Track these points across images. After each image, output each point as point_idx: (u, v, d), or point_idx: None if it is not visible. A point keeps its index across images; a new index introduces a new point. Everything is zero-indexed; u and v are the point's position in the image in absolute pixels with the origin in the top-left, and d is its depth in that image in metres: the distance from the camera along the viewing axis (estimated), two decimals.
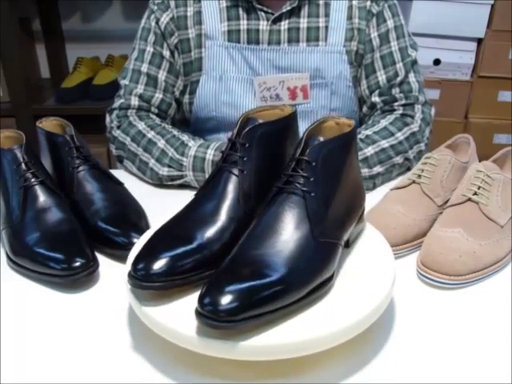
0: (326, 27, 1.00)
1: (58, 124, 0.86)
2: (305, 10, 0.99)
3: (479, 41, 1.88)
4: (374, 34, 1.01)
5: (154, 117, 1.02)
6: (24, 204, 0.71)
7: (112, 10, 2.12)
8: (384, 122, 0.97)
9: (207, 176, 0.90)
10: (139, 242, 0.64)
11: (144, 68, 1.01)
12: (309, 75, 1.00)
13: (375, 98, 1.02)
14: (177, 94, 1.04)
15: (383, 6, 1.01)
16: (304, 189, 0.55)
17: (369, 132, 0.95)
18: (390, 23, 1.01)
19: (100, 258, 0.70)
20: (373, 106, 1.04)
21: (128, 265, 0.57)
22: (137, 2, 1.99)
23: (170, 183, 0.93)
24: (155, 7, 1.02)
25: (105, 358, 0.57)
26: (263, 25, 0.99)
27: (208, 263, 0.55)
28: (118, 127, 1.00)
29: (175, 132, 0.96)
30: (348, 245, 0.63)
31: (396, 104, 1.01)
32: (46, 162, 0.81)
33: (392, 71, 1.01)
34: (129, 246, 0.65)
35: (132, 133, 0.97)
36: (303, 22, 0.99)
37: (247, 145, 0.60)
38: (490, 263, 0.70)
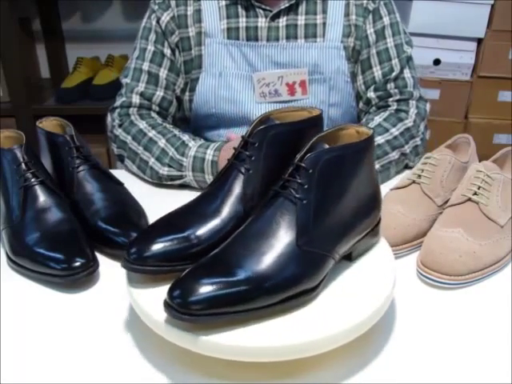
0: (324, 24, 1.00)
1: (58, 124, 0.86)
2: (302, 7, 1.00)
3: (479, 41, 1.88)
4: (370, 31, 1.02)
5: (155, 116, 1.02)
6: (24, 204, 0.71)
7: (112, 10, 2.12)
8: (378, 119, 0.98)
9: (207, 176, 0.90)
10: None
11: (145, 66, 1.02)
12: (307, 70, 1.00)
13: (370, 94, 1.03)
14: (178, 91, 1.05)
15: (379, 4, 1.02)
16: (297, 195, 0.54)
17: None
18: (386, 20, 1.02)
19: (100, 257, 0.70)
20: (368, 102, 1.05)
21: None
22: (137, 1, 1.99)
23: (169, 183, 0.93)
24: (156, 7, 1.02)
25: (105, 358, 0.57)
26: (262, 22, 1.00)
27: (198, 256, 0.55)
28: (120, 126, 1.00)
29: (176, 132, 0.96)
30: (351, 258, 0.61)
31: (390, 100, 1.02)
32: (46, 162, 0.81)
33: (387, 67, 1.02)
34: None
35: (133, 132, 0.97)
36: (301, 19, 1.00)
37: (257, 144, 0.60)
38: (490, 263, 0.70)
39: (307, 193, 0.54)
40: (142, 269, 0.56)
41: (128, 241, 0.69)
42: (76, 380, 0.54)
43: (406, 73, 1.03)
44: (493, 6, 1.81)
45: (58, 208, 0.72)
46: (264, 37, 1.00)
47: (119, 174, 0.88)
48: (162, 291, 0.56)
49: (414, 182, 0.79)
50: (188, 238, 0.58)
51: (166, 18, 1.01)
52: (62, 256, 0.66)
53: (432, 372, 0.56)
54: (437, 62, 1.91)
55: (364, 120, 1.02)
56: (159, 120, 1.01)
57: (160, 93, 1.02)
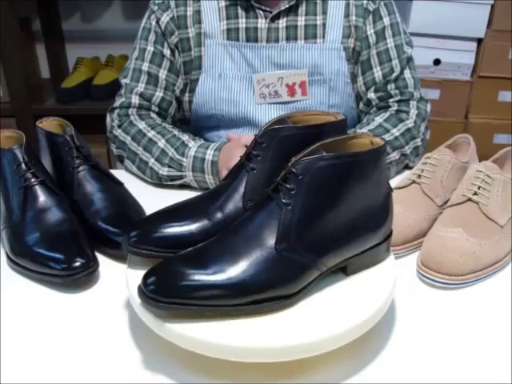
0: (324, 25, 1.00)
1: (58, 124, 0.86)
2: (302, 8, 1.00)
3: (479, 41, 1.88)
4: (370, 31, 1.02)
5: (154, 116, 1.02)
6: (24, 204, 0.71)
7: (112, 10, 2.12)
8: (378, 120, 0.98)
9: (207, 176, 0.90)
10: None
11: (145, 67, 1.02)
12: (307, 71, 1.00)
13: (371, 95, 1.03)
14: (177, 92, 1.05)
15: (379, 4, 1.02)
16: (283, 200, 0.53)
17: (364, 131, 0.95)
18: (386, 20, 1.02)
19: (100, 257, 0.70)
20: (369, 103, 1.04)
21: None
22: (137, 1, 1.99)
23: (169, 183, 0.93)
24: (156, 7, 1.02)
25: (105, 358, 0.57)
26: (261, 23, 0.99)
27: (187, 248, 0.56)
28: (119, 126, 1.00)
29: (175, 132, 0.96)
30: (346, 272, 0.59)
31: (391, 100, 1.02)
32: (46, 162, 0.81)
33: (388, 68, 1.02)
34: None
35: (132, 132, 0.97)
36: (301, 20, 1.00)
37: (264, 144, 0.61)
38: (490, 263, 0.70)
39: (294, 199, 0.53)
40: (139, 252, 0.58)
41: None
42: (76, 380, 0.54)
43: (407, 73, 1.03)
44: (493, 6, 1.81)
45: (58, 208, 0.72)
46: (264, 38, 1.00)
47: (119, 174, 0.88)
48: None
49: (414, 182, 0.79)
50: (186, 228, 0.59)
51: (165, 18, 1.01)
52: (62, 256, 0.67)
53: (432, 372, 0.56)
54: (437, 61, 1.91)
55: (364, 120, 1.02)
56: (158, 120, 1.01)
57: (159, 93, 1.02)
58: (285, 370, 0.55)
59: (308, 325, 0.52)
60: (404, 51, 1.02)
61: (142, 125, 0.98)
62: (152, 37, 1.02)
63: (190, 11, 1.01)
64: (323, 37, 1.00)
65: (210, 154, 0.90)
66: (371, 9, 1.01)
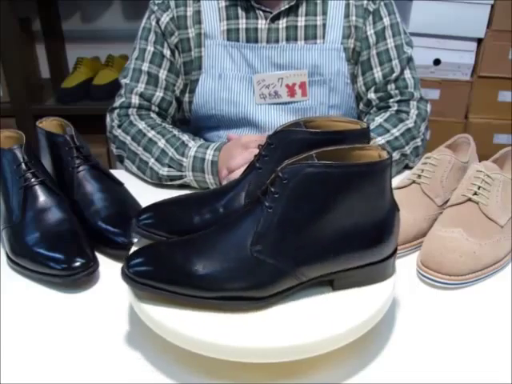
0: (324, 25, 1.00)
1: (58, 124, 0.86)
2: (302, 9, 1.00)
3: (479, 41, 1.88)
4: (370, 32, 1.02)
5: (154, 116, 1.02)
6: (24, 204, 0.71)
7: (112, 10, 2.12)
8: (379, 120, 0.98)
9: (207, 176, 0.90)
10: (139, 241, 0.64)
11: (145, 67, 1.02)
12: (307, 72, 1.00)
13: (371, 95, 1.03)
14: (177, 92, 1.05)
15: (379, 4, 1.02)
16: (266, 203, 0.53)
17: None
18: (386, 21, 1.02)
19: (100, 257, 0.70)
20: (369, 103, 1.04)
21: None
22: (137, 1, 1.99)
23: (169, 183, 0.93)
24: (155, 7, 1.02)
25: (105, 358, 0.57)
26: (262, 23, 0.99)
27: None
28: (119, 126, 1.00)
29: (175, 132, 0.96)
30: (333, 286, 0.57)
31: (391, 101, 1.02)
32: (46, 162, 0.81)
33: (388, 68, 1.02)
34: (129, 245, 0.65)
35: (132, 132, 0.97)
36: (301, 20, 1.00)
37: (273, 146, 0.61)
38: (490, 263, 0.70)
39: (276, 203, 0.52)
40: (147, 234, 0.62)
41: (128, 241, 0.70)
42: (76, 380, 0.54)
43: (407, 73, 1.03)
44: (493, 6, 1.81)
45: (58, 208, 0.72)
46: (264, 38, 1.00)
47: (119, 174, 0.88)
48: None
49: (414, 182, 0.79)
50: (193, 218, 0.62)
51: (165, 18, 1.01)
52: (62, 256, 0.67)
53: (432, 372, 0.56)
54: (437, 62, 1.91)
55: (365, 120, 1.02)
56: (158, 120, 1.01)
57: (159, 93, 1.02)
58: (285, 370, 0.55)
59: (308, 325, 0.52)
60: (404, 51, 1.02)
61: (141, 125, 0.98)
62: (152, 37, 1.02)
63: (189, 11, 1.01)
64: (323, 37, 1.00)
65: (210, 154, 0.90)
66: (371, 9, 1.01)
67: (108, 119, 1.04)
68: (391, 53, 1.02)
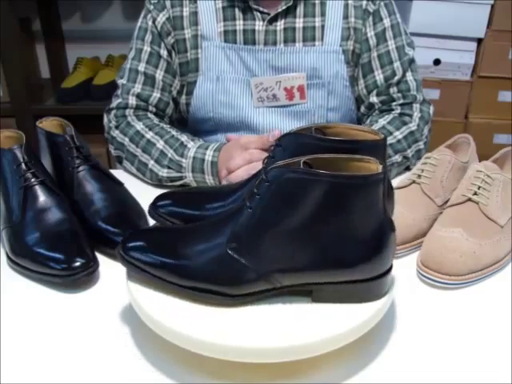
0: (322, 26, 0.99)
1: (58, 124, 0.86)
2: (300, 10, 0.99)
3: (479, 41, 1.88)
4: (370, 33, 1.01)
5: (152, 116, 1.01)
6: (24, 204, 0.71)
7: (112, 10, 2.12)
8: (382, 122, 0.98)
9: (207, 177, 0.90)
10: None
11: (141, 67, 1.01)
12: (305, 75, 0.99)
13: (373, 99, 1.02)
14: (174, 93, 1.04)
15: (379, 5, 1.01)
16: (247, 203, 0.53)
17: None
18: (387, 22, 1.01)
19: (100, 257, 0.70)
20: (371, 107, 1.03)
21: None
22: (137, 1, 1.99)
23: (169, 184, 0.93)
24: (151, 7, 1.01)
25: (105, 358, 0.57)
26: (259, 25, 0.99)
27: None
28: (117, 127, 1.00)
29: (174, 132, 0.96)
30: (312, 298, 0.55)
31: (394, 104, 1.01)
32: (46, 162, 0.81)
33: (389, 70, 1.01)
34: None
35: (130, 133, 0.97)
36: (299, 22, 0.99)
37: (281, 147, 0.60)
38: (490, 263, 0.70)
39: (256, 204, 0.52)
40: (161, 220, 0.67)
41: None
42: (76, 380, 0.54)
43: (409, 76, 1.01)
44: (493, 6, 1.81)
45: (58, 208, 0.72)
46: (261, 40, 0.99)
47: (119, 174, 0.88)
48: (161, 291, 0.56)
49: (414, 182, 0.79)
50: (202, 209, 0.65)
51: (161, 18, 1.00)
52: (62, 256, 0.67)
53: (432, 372, 0.56)
54: (437, 62, 1.91)
55: (368, 121, 1.01)
56: (156, 120, 1.00)
57: (157, 94, 1.01)
58: (285, 370, 0.55)
59: (308, 325, 0.52)
60: (405, 53, 1.01)
61: (139, 126, 0.97)
62: (148, 37, 1.01)
63: (186, 12, 1.00)
64: (322, 39, 0.99)
65: (209, 155, 0.90)
66: (371, 10, 1.00)
67: (105, 120, 1.03)
68: (392, 55, 1.01)
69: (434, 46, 1.88)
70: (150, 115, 1.02)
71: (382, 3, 1.01)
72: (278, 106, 1.01)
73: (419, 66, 1.06)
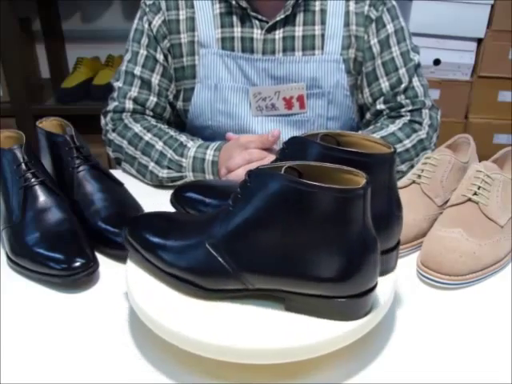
0: (322, 35, 0.97)
1: (58, 124, 0.86)
2: (300, 18, 0.96)
3: (479, 41, 1.88)
4: (373, 41, 0.98)
5: (149, 118, 1.01)
6: (24, 204, 0.71)
7: (112, 10, 2.12)
8: (393, 127, 0.96)
9: (207, 177, 0.90)
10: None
11: (137, 71, 1.00)
12: (305, 85, 0.98)
13: (380, 106, 1.00)
14: (170, 97, 1.03)
15: (382, 11, 0.98)
16: (230, 202, 0.53)
17: (375, 136, 0.93)
18: (390, 27, 0.98)
19: (100, 257, 0.70)
20: (378, 113, 1.01)
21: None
22: (137, 1, 1.98)
23: (170, 184, 0.93)
24: (147, 8, 1.00)
25: (105, 358, 0.57)
26: (257, 33, 0.97)
27: None
28: (114, 130, 0.99)
29: (172, 132, 0.96)
30: (284, 305, 0.54)
31: (403, 110, 0.99)
32: (46, 162, 0.81)
33: (395, 77, 0.99)
34: None
35: (128, 136, 0.97)
36: (298, 31, 0.97)
37: (286, 150, 0.60)
38: (490, 263, 0.70)
39: (236, 203, 0.53)
40: (180, 209, 0.72)
41: None
42: (76, 380, 0.54)
43: (415, 81, 0.99)
44: (493, 6, 1.82)
45: (58, 208, 0.72)
46: (260, 49, 0.97)
47: (119, 174, 0.88)
48: (161, 292, 0.56)
49: (413, 182, 0.79)
50: (216, 203, 0.68)
51: (157, 21, 0.98)
52: (62, 256, 0.67)
53: (432, 372, 0.56)
54: (437, 62, 1.91)
55: (379, 125, 0.98)
56: (153, 122, 0.99)
57: (153, 98, 1.00)
58: (285, 370, 0.55)
59: (309, 326, 0.52)
60: (411, 58, 0.99)
61: (137, 128, 0.97)
62: (144, 40, 1.00)
63: (182, 15, 0.98)
64: (322, 48, 0.97)
65: (210, 155, 0.90)
66: (373, 16, 0.97)
67: (102, 122, 1.03)
68: (397, 61, 0.98)
69: (433, 45, 1.88)
70: (147, 117, 1.01)
71: (385, 8, 0.98)
72: (277, 115, 1.00)
73: None
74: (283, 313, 0.54)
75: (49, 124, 0.85)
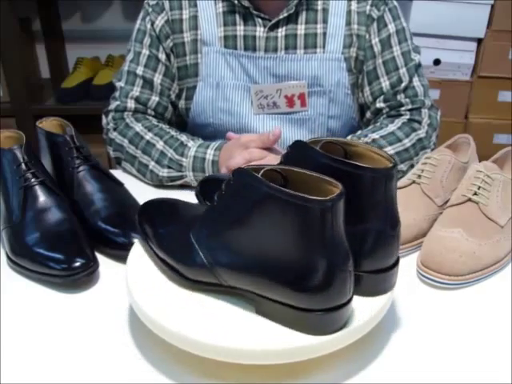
0: (324, 34, 0.98)
1: (58, 124, 0.86)
2: (302, 17, 0.97)
3: (479, 41, 1.88)
4: (375, 40, 0.99)
5: (150, 118, 1.01)
6: (24, 204, 0.71)
7: (112, 10, 2.12)
8: (392, 127, 0.96)
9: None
10: (139, 242, 0.64)
11: (139, 71, 1.00)
12: (306, 83, 0.98)
13: (380, 104, 1.01)
14: (173, 97, 1.03)
15: (384, 11, 0.99)
16: (215, 197, 0.54)
17: (375, 135, 0.93)
18: (392, 27, 0.99)
19: (100, 257, 0.70)
20: (377, 112, 1.02)
21: None
22: (137, 1, 1.99)
23: (170, 184, 0.93)
24: (150, 9, 1.00)
25: (105, 358, 0.57)
26: (260, 31, 0.97)
27: None
28: (115, 129, 0.99)
29: (173, 132, 0.96)
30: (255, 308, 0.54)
31: (403, 109, 0.99)
32: (46, 162, 0.81)
33: (395, 77, 0.99)
34: (129, 246, 0.65)
35: (129, 135, 0.97)
36: (300, 29, 0.97)
37: (290, 155, 0.60)
38: (490, 263, 0.70)
39: (219, 199, 0.53)
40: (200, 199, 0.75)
41: (128, 241, 0.71)
42: (76, 380, 0.54)
43: (415, 81, 1.00)
44: (493, 6, 1.82)
45: (58, 208, 0.72)
46: (262, 47, 0.98)
47: (119, 174, 0.88)
48: (161, 292, 0.56)
49: (413, 182, 0.79)
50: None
51: (160, 21, 0.99)
52: (62, 256, 0.67)
53: (432, 372, 0.56)
54: (437, 62, 1.91)
55: (378, 124, 0.99)
56: (155, 121, 1.00)
57: (155, 98, 1.01)
58: (284, 370, 0.55)
59: None
60: (411, 58, 1.00)
61: (138, 127, 0.97)
62: (147, 40, 1.00)
63: (185, 15, 0.99)
64: (323, 46, 0.98)
65: (210, 154, 0.90)
66: (375, 16, 0.98)
67: (104, 121, 1.03)
68: (398, 61, 0.99)
69: (433, 45, 1.88)
70: (148, 117, 1.01)
71: (387, 8, 0.99)
72: (278, 113, 1.01)
73: None
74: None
75: (49, 124, 0.85)
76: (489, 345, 0.59)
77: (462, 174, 0.79)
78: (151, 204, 0.65)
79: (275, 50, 0.98)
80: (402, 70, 0.99)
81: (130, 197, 0.81)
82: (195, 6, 0.99)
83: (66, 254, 0.67)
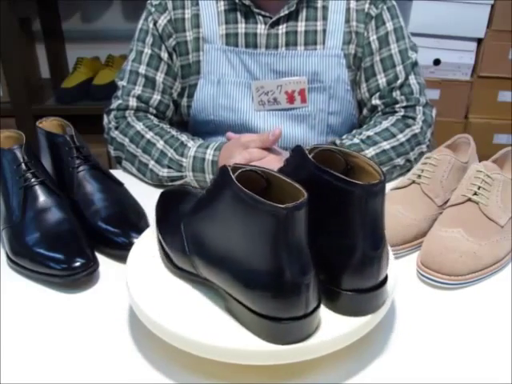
0: (324, 30, 0.99)
1: (58, 124, 0.86)
2: (303, 14, 0.99)
3: (479, 41, 1.88)
4: (372, 37, 1.00)
5: (152, 117, 1.01)
6: (24, 204, 0.71)
7: (112, 10, 2.12)
8: (385, 124, 0.97)
9: (207, 176, 0.90)
10: (139, 241, 0.64)
11: (142, 70, 1.01)
12: (306, 79, 0.99)
13: (376, 101, 1.02)
14: (174, 95, 1.04)
15: (382, 9, 1.00)
16: (204, 190, 0.55)
17: (370, 133, 0.95)
18: (390, 25, 1.00)
19: (100, 257, 0.70)
20: (373, 109, 1.03)
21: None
22: (137, 1, 1.99)
23: (170, 184, 0.93)
24: (153, 9, 1.01)
25: (105, 358, 0.57)
26: (261, 29, 0.99)
27: None
28: (116, 128, 1.00)
29: (174, 132, 0.96)
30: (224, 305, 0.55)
31: (397, 106, 1.00)
32: (46, 162, 0.81)
33: (392, 74, 1.00)
34: (129, 246, 0.65)
35: (130, 133, 0.97)
36: (301, 26, 0.99)
37: (290, 159, 0.60)
38: (490, 263, 0.70)
39: (206, 193, 0.54)
40: None
41: (128, 241, 0.71)
42: (76, 380, 0.54)
43: (412, 79, 1.01)
44: (493, 6, 1.81)
45: (58, 208, 0.72)
46: (263, 44, 0.99)
47: (119, 174, 0.88)
48: (161, 292, 0.56)
49: (413, 182, 0.79)
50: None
51: (163, 21, 1.00)
52: (61, 256, 0.67)
53: (432, 372, 0.56)
54: (437, 62, 1.91)
55: (372, 122, 1.00)
56: (156, 121, 1.00)
57: (157, 96, 1.01)
58: (284, 370, 0.55)
59: None
60: (408, 56, 1.01)
61: (139, 126, 0.97)
62: (149, 39, 1.01)
63: (188, 14, 1.00)
64: (323, 43, 0.99)
65: (210, 154, 0.90)
66: (373, 14, 1.00)
67: (105, 120, 1.03)
68: (395, 58, 1.00)
69: (433, 46, 1.88)
70: (150, 116, 1.02)
71: (385, 7, 1.01)
72: (279, 110, 1.01)
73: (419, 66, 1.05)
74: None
75: (49, 124, 0.85)
76: (489, 345, 0.59)
77: (461, 173, 0.79)
78: (169, 192, 0.70)
79: (276, 46, 0.99)
80: (399, 68, 1.00)
81: (130, 197, 0.81)
82: (197, 4, 1.00)
83: (65, 253, 0.67)
